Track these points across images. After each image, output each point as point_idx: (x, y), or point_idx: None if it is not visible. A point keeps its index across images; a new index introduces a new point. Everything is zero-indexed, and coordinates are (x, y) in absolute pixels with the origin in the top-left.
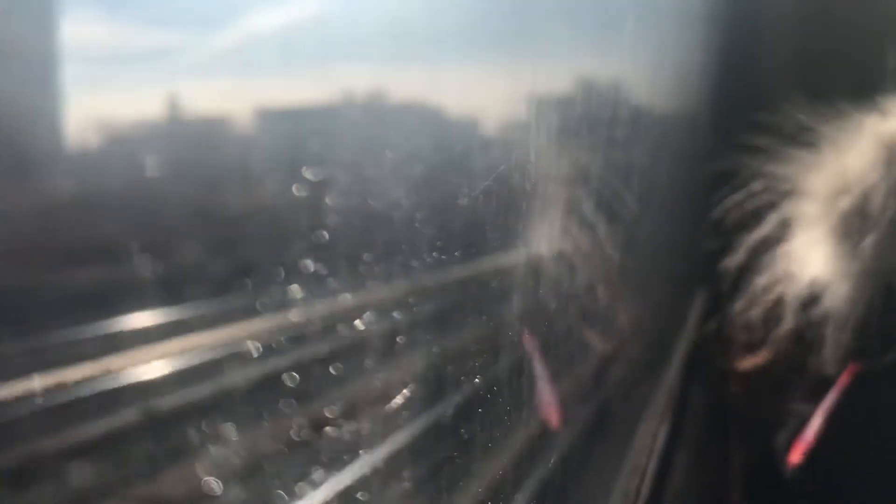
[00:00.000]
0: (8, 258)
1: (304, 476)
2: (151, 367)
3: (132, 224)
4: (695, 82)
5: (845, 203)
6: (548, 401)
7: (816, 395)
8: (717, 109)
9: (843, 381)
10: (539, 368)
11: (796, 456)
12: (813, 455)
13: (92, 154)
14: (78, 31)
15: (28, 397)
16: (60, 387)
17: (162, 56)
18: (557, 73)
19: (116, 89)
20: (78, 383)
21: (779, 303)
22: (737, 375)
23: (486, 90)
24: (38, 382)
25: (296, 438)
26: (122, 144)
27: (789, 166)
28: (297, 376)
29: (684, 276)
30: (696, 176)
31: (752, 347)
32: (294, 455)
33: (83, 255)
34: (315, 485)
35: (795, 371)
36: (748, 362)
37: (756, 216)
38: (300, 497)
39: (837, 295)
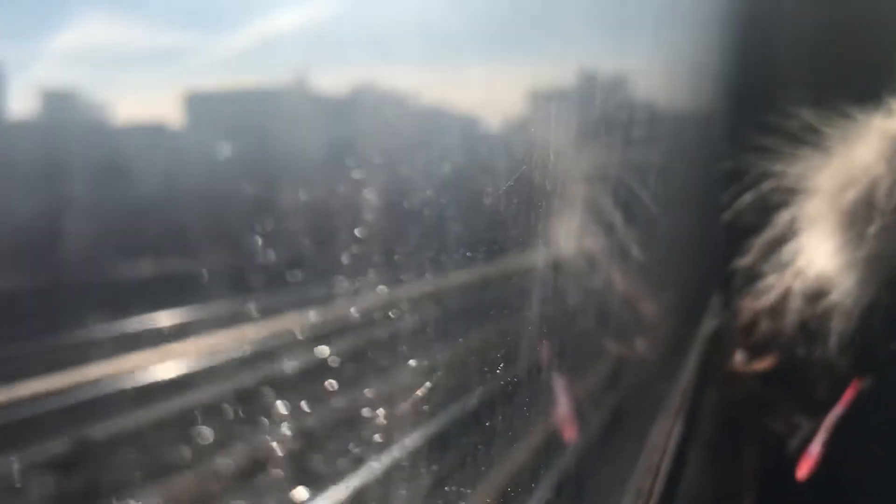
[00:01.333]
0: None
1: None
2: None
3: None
4: (708, 83)
5: (851, 194)
6: (563, 413)
7: (822, 410)
8: (730, 110)
9: (848, 395)
10: (555, 378)
11: (803, 471)
12: (826, 457)
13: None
14: (95, 32)
15: None
16: None
17: (177, 56)
18: (573, 72)
19: (134, 89)
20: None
21: (785, 297)
22: (745, 377)
23: (504, 90)
24: None
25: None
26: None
27: (798, 166)
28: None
29: (700, 275)
30: (711, 176)
31: (759, 350)
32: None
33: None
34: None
35: (803, 373)
36: (755, 365)
37: (767, 216)
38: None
39: (844, 286)
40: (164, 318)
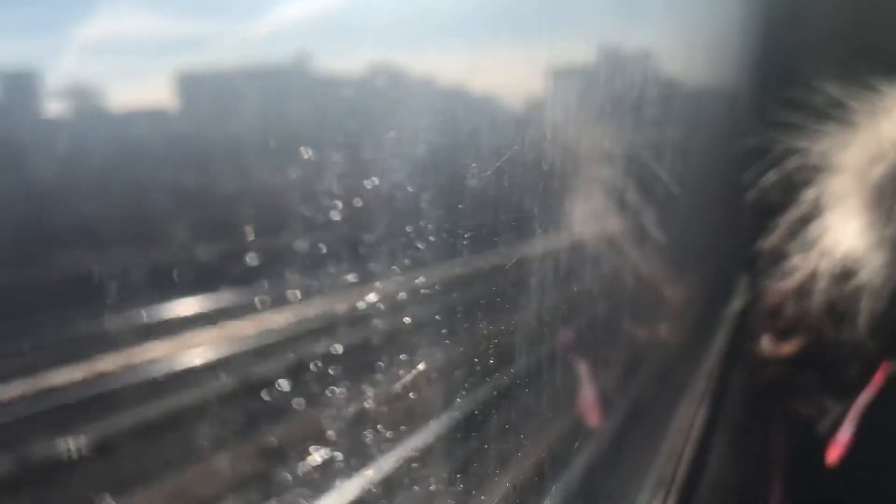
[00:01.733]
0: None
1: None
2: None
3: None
4: (730, 57)
5: (879, 170)
6: (586, 395)
7: (851, 393)
8: (753, 85)
9: (878, 378)
10: (576, 362)
11: (833, 456)
12: (856, 442)
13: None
14: (116, 23)
15: None
16: None
17: (195, 45)
18: (592, 48)
19: (155, 79)
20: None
21: (812, 278)
22: (772, 361)
23: (522, 70)
24: None
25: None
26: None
27: (823, 142)
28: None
29: (725, 257)
30: (734, 154)
31: (786, 333)
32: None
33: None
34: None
35: (832, 356)
36: (782, 348)
37: (792, 194)
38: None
39: (872, 265)
40: (199, 304)
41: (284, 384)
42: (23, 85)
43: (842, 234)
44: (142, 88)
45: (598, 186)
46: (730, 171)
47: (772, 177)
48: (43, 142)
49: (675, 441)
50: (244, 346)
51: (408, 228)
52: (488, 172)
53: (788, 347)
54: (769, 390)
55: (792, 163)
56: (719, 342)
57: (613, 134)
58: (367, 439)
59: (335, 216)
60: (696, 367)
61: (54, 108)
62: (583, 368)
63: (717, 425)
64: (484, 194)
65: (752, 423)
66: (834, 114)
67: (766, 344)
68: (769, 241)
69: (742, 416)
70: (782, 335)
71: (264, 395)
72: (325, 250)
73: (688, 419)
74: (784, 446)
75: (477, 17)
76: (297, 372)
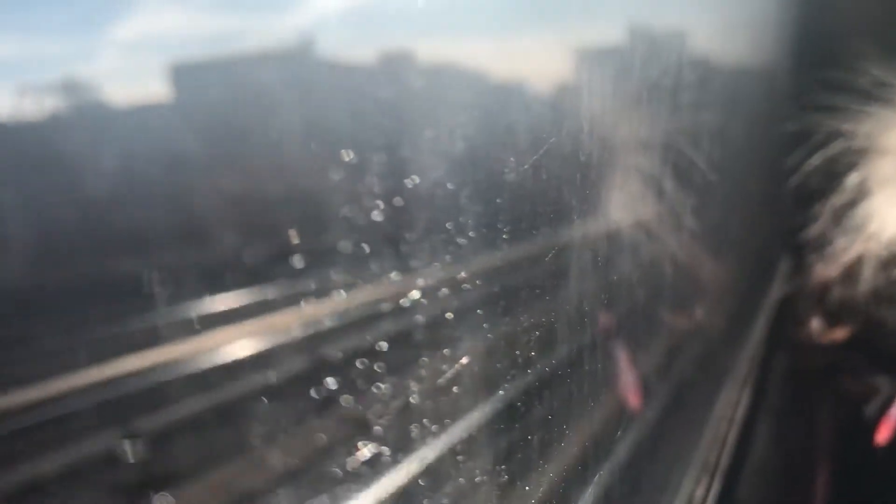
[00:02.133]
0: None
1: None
2: None
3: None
4: (769, 37)
5: None
6: (627, 382)
7: None
8: (793, 66)
9: None
10: (617, 350)
11: (884, 435)
12: None
13: None
14: (156, 20)
15: None
16: None
17: (231, 39)
18: (625, 34)
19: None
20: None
21: (858, 263)
22: (820, 345)
23: (555, 56)
24: None
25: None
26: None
27: (867, 124)
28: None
29: (767, 242)
30: (775, 137)
31: (833, 317)
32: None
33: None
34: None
35: (881, 336)
36: (831, 333)
37: (836, 179)
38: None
39: None
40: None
41: (330, 381)
42: (68, 87)
43: (888, 218)
44: (170, 87)
45: (635, 174)
46: (770, 156)
47: (815, 161)
48: (95, 143)
49: (718, 426)
50: (289, 338)
51: (448, 224)
52: (526, 166)
53: (837, 332)
54: (816, 373)
55: (835, 146)
56: (762, 326)
57: (649, 120)
58: (412, 432)
59: (377, 216)
60: (739, 351)
61: (95, 104)
62: (623, 355)
63: (761, 410)
64: (522, 187)
65: (797, 406)
66: (877, 95)
67: (814, 328)
68: (813, 227)
69: (786, 400)
70: (830, 319)
71: (312, 391)
72: (368, 248)
73: (731, 404)
74: (831, 429)
75: (509, 4)
76: (341, 366)
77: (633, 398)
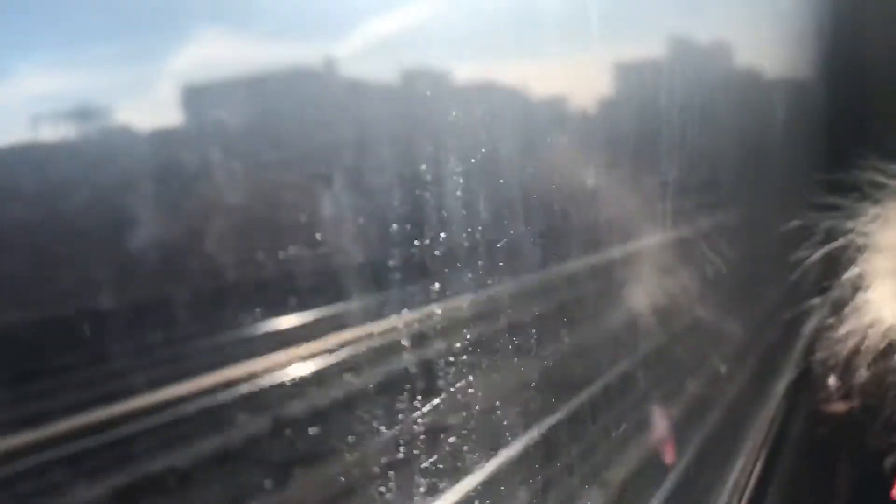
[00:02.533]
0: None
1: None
2: None
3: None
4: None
5: None
6: (662, 434)
7: None
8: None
9: None
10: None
11: None
12: None
13: None
14: (206, 50)
15: None
16: None
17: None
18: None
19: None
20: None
21: (856, 353)
22: (832, 416)
23: (595, 71)
24: None
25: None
26: None
27: (866, 223)
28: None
29: (789, 300)
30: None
31: (843, 391)
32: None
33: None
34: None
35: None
36: (840, 406)
37: (836, 273)
38: None
39: None
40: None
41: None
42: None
43: (883, 309)
44: (234, 112)
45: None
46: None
47: (817, 256)
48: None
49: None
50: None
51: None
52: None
53: (845, 406)
54: (833, 432)
55: (837, 242)
56: (781, 391)
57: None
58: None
59: (430, 230)
60: (756, 414)
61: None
62: (659, 414)
63: (777, 476)
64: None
65: (815, 456)
66: (877, 193)
67: (825, 401)
68: (829, 297)
69: (803, 468)
70: (838, 395)
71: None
72: (428, 263)
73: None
74: (848, 485)
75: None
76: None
77: (668, 449)
